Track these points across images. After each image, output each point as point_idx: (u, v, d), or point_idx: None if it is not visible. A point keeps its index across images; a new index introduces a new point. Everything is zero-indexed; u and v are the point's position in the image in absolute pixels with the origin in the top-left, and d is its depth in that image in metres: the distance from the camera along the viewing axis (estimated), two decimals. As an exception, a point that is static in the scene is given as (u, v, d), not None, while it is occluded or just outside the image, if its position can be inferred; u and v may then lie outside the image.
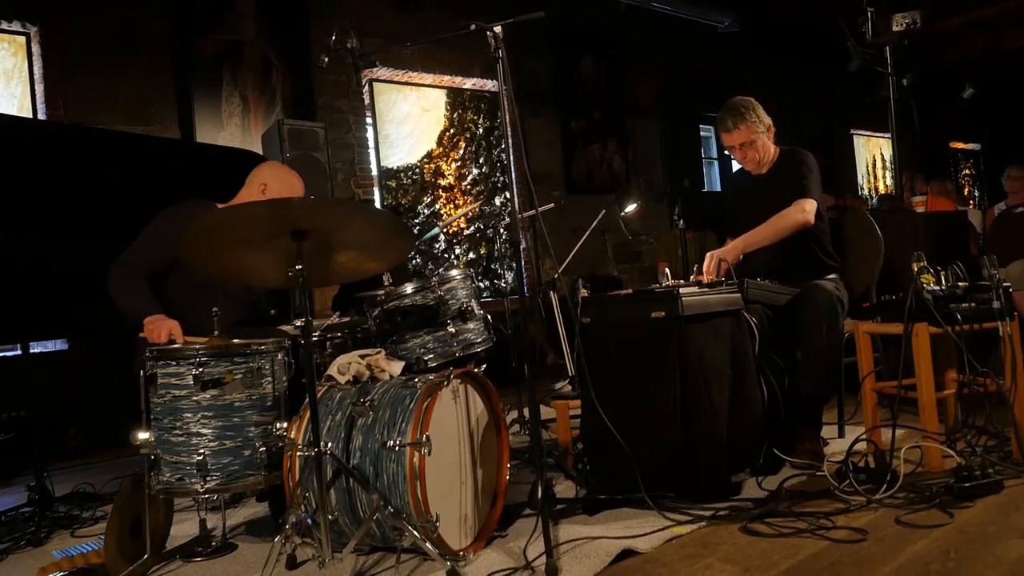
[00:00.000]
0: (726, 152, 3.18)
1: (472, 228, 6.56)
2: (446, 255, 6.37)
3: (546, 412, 3.55)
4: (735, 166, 3.36)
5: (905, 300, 2.56)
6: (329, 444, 2.07)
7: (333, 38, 2.35)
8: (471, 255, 6.55)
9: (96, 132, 4.16)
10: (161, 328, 2.34)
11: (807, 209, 2.87)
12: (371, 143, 6.01)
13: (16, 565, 2.40)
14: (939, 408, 2.66)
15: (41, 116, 4.57)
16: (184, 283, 2.55)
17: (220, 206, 2.67)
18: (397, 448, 2.01)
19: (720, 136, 3.10)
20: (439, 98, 6.48)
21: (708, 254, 2.82)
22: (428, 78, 6.35)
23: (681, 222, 4.70)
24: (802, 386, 2.76)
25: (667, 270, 4.57)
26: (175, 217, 2.57)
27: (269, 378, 2.22)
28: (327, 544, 1.88)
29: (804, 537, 2.05)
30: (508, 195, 6.57)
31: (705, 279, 2.69)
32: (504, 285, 3.80)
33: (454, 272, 2.65)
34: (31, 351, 3.08)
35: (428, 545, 1.96)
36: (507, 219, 6.65)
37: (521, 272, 2.31)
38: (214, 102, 5.17)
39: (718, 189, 8.43)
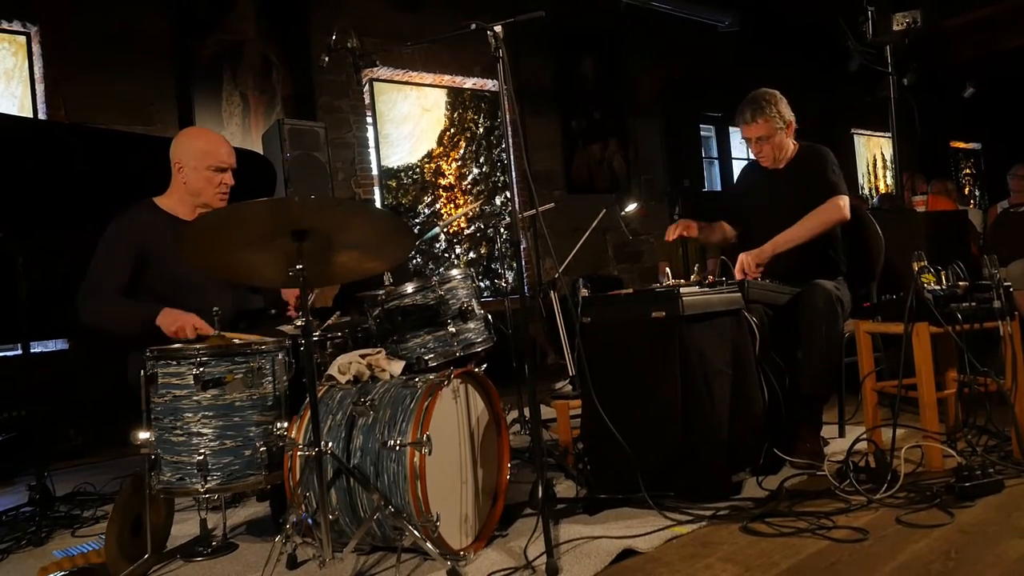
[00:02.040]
0: (741, 141, 3.14)
1: (472, 228, 6.57)
2: (446, 255, 6.37)
3: (546, 412, 3.55)
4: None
5: (906, 299, 2.56)
6: (330, 444, 2.07)
7: (333, 38, 2.35)
8: (471, 255, 6.55)
9: (97, 132, 4.17)
10: (185, 325, 2.36)
11: (842, 205, 2.88)
12: (371, 143, 6.01)
13: (17, 565, 2.41)
14: (940, 408, 2.66)
15: (42, 116, 4.57)
16: (154, 297, 2.56)
17: (156, 199, 2.67)
18: (398, 448, 2.01)
19: (739, 127, 3.05)
20: (439, 98, 6.48)
21: (741, 256, 2.82)
22: (428, 78, 6.35)
23: (681, 222, 4.68)
24: (802, 385, 2.75)
25: (668, 270, 4.57)
26: (120, 226, 2.57)
27: (270, 378, 2.22)
28: (328, 544, 1.88)
29: (805, 537, 2.05)
30: (508, 195, 6.57)
31: (739, 277, 2.72)
32: (504, 285, 3.79)
33: (454, 272, 2.65)
34: (31, 351, 3.08)
35: (428, 545, 1.96)
36: (507, 219, 6.66)
37: (521, 272, 2.31)
38: (214, 102, 5.18)
39: (718, 188, 8.43)
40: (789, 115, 3.00)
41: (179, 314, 2.41)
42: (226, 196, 2.69)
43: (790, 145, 3.05)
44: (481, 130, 6.69)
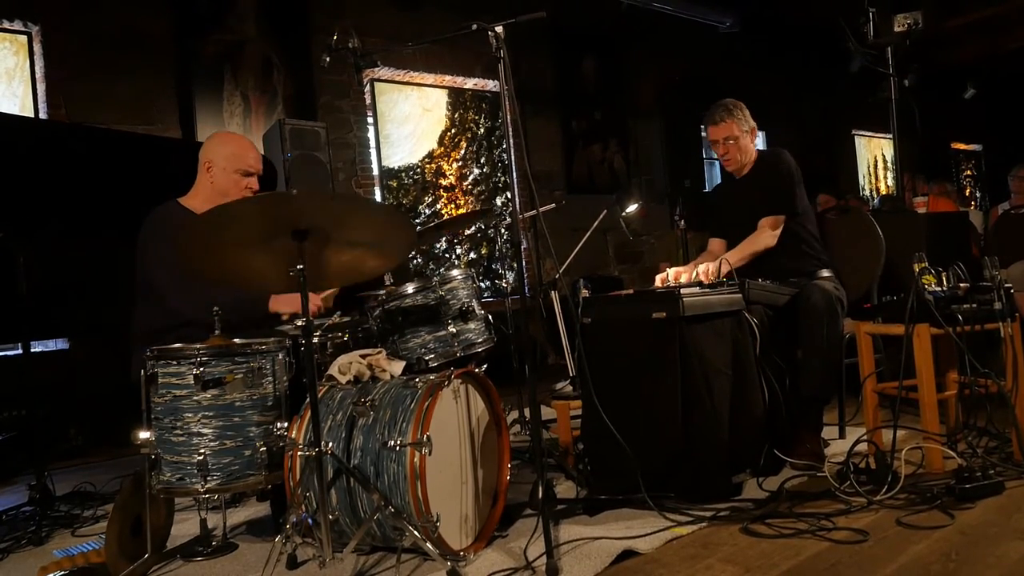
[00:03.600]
0: (710, 144, 3.23)
1: (473, 228, 6.56)
2: (447, 255, 6.37)
3: (547, 412, 3.55)
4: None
5: (906, 301, 2.56)
6: (330, 444, 2.07)
7: (334, 38, 2.35)
8: (472, 255, 6.55)
9: (97, 131, 4.17)
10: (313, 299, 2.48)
11: (770, 233, 2.98)
12: (372, 143, 6.01)
13: (17, 564, 2.41)
14: (940, 409, 2.66)
15: (43, 115, 4.58)
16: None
17: (181, 200, 2.68)
18: (398, 448, 2.01)
19: (707, 130, 3.15)
20: (440, 98, 6.48)
21: (705, 265, 2.83)
22: (429, 78, 6.36)
23: (682, 222, 4.70)
24: (803, 387, 2.76)
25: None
26: (167, 223, 2.56)
27: (270, 378, 2.22)
28: (328, 544, 1.88)
29: (805, 538, 2.05)
30: (509, 195, 6.57)
31: (705, 279, 2.70)
32: (505, 285, 3.79)
33: (455, 272, 2.65)
34: (31, 351, 3.08)
35: (429, 545, 1.96)
36: (508, 219, 6.66)
37: (522, 272, 2.31)
38: (215, 102, 5.18)
39: (719, 190, 8.44)
40: (752, 122, 3.12)
41: (294, 297, 2.43)
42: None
43: (752, 151, 3.14)
44: (482, 130, 6.70)
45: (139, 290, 2.62)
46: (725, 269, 2.71)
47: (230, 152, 2.69)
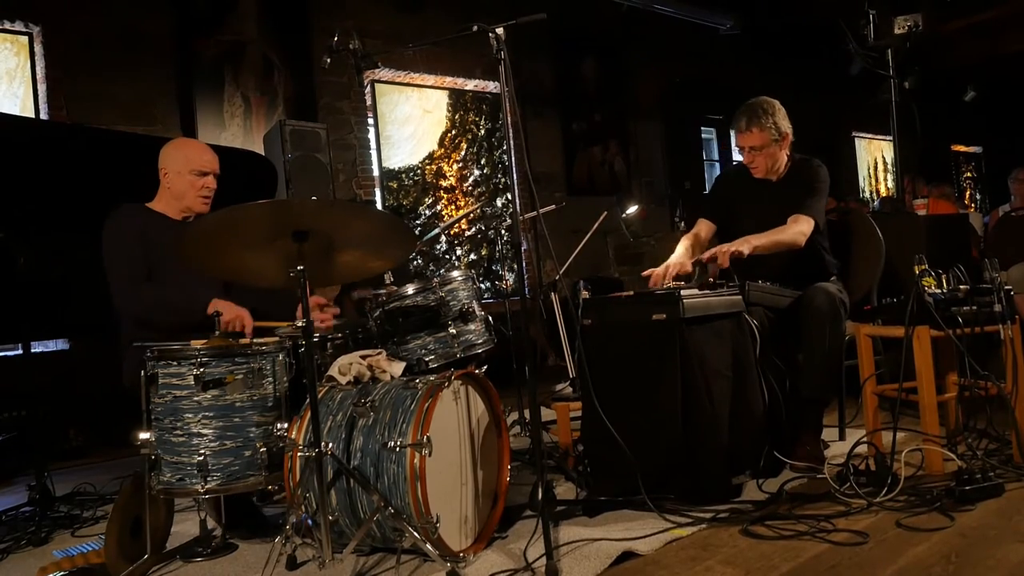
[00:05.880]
0: (736, 148, 3.05)
1: (473, 229, 6.57)
2: (447, 256, 6.37)
3: (547, 414, 3.55)
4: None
5: (906, 303, 2.56)
6: (330, 445, 2.07)
7: (335, 39, 2.35)
8: (472, 256, 6.55)
9: (98, 132, 4.17)
10: (242, 316, 2.41)
11: (804, 231, 2.79)
12: (373, 144, 6.02)
13: (17, 565, 2.40)
14: (940, 411, 2.66)
15: (43, 116, 4.58)
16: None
17: (148, 204, 2.71)
18: (398, 449, 2.01)
19: (733, 132, 2.98)
20: (441, 99, 6.49)
21: (722, 247, 2.67)
22: (430, 79, 6.37)
23: (682, 224, 4.71)
24: (803, 388, 2.75)
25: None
26: (123, 224, 2.60)
27: (270, 378, 2.22)
28: (327, 545, 1.88)
29: (805, 540, 2.05)
30: (509, 196, 6.57)
31: (720, 263, 2.62)
32: (505, 286, 3.79)
33: (455, 273, 2.65)
34: (31, 351, 3.08)
35: (428, 546, 1.96)
36: (508, 220, 6.66)
37: (522, 273, 2.31)
38: (216, 103, 5.18)
39: (719, 191, 8.45)
40: (786, 127, 2.93)
41: (234, 305, 2.44)
42: (208, 200, 2.74)
43: (783, 158, 2.99)
44: (482, 132, 6.70)
45: None
46: (747, 250, 2.62)
47: (182, 155, 2.71)
